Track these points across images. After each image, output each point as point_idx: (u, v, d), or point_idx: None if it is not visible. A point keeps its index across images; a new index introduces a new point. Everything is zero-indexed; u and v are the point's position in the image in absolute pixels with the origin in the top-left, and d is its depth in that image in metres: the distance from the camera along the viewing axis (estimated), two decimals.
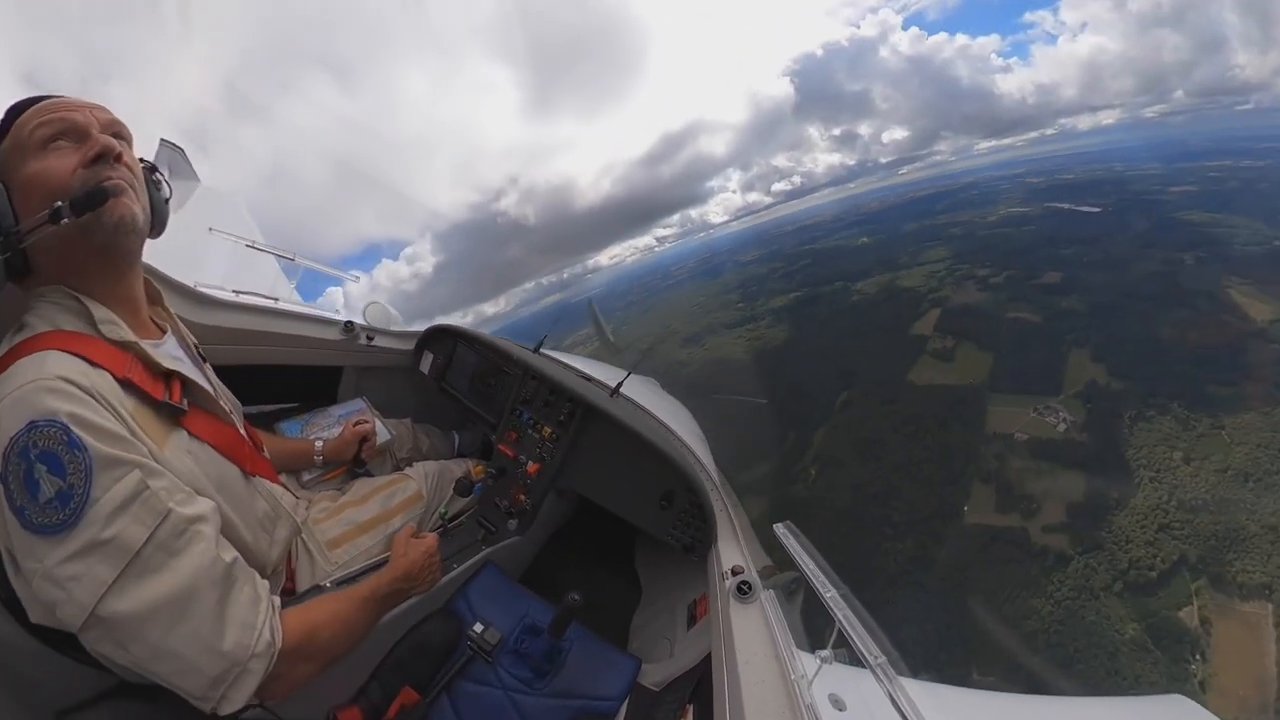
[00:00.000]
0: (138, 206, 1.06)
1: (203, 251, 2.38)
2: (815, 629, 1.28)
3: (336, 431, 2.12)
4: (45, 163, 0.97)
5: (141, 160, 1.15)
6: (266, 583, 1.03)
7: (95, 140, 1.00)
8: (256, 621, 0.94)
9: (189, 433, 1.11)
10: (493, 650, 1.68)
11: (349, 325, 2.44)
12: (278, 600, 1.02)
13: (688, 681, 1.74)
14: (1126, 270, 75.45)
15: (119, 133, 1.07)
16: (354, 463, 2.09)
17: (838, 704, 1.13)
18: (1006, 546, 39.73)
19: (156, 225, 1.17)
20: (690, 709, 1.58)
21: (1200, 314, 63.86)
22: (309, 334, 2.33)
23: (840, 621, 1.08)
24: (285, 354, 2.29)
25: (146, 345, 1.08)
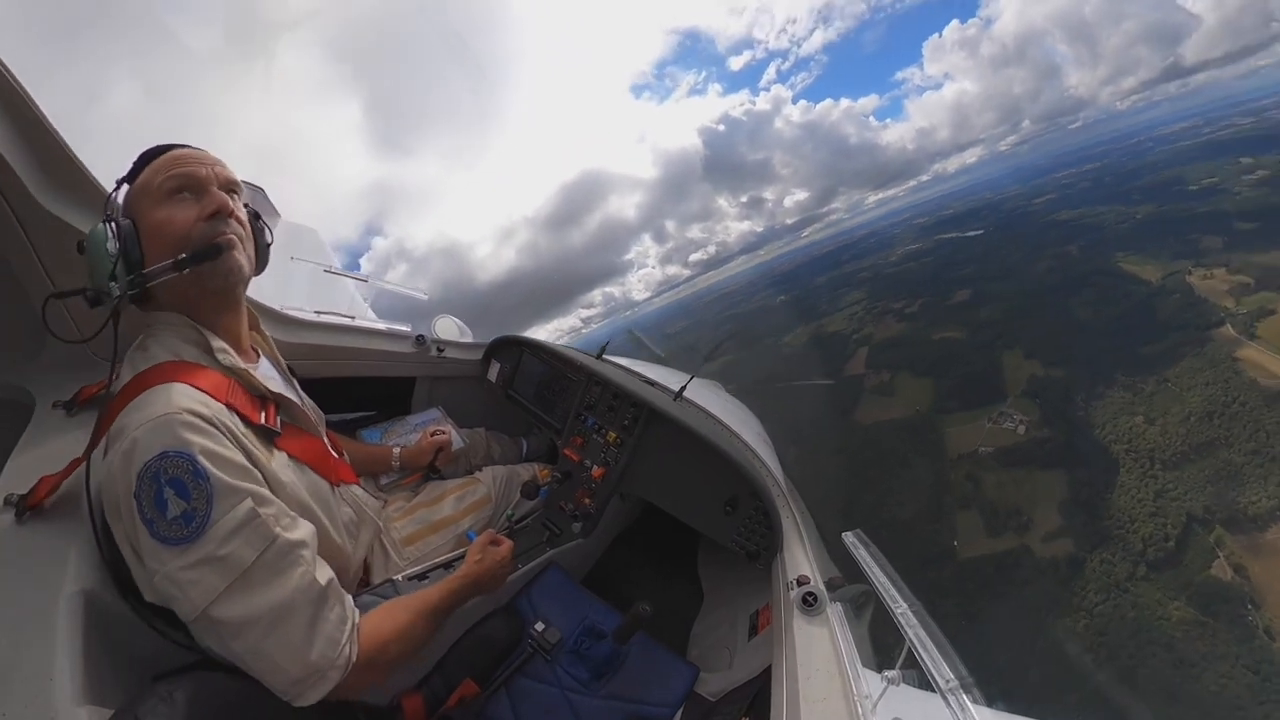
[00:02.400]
0: (244, 258, 1.26)
1: (287, 278, 2.58)
2: (884, 647, 1.26)
3: (414, 439, 2.30)
4: (170, 212, 1.15)
5: (246, 206, 1.32)
6: (352, 602, 1.16)
7: (213, 197, 1.19)
8: (341, 639, 1.09)
9: (286, 454, 1.28)
10: (552, 649, 1.78)
11: (420, 338, 2.61)
12: (359, 615, 1.16)
13: (745, 694, 1.71)
14: (1025, 273, 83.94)
15: (232, 188, 1.24)
16: (429, 469, 2.24)
17: None
18: (1012, 570, 38.79)
19: (260, 265, 1.38)
20: None
21: (1103, 289, 70.23)
22: (384, 347, 2.49)
23: (911, 640, 1.05)
24: (363, 366, 2.44)
25: (249, 369, 1.27)
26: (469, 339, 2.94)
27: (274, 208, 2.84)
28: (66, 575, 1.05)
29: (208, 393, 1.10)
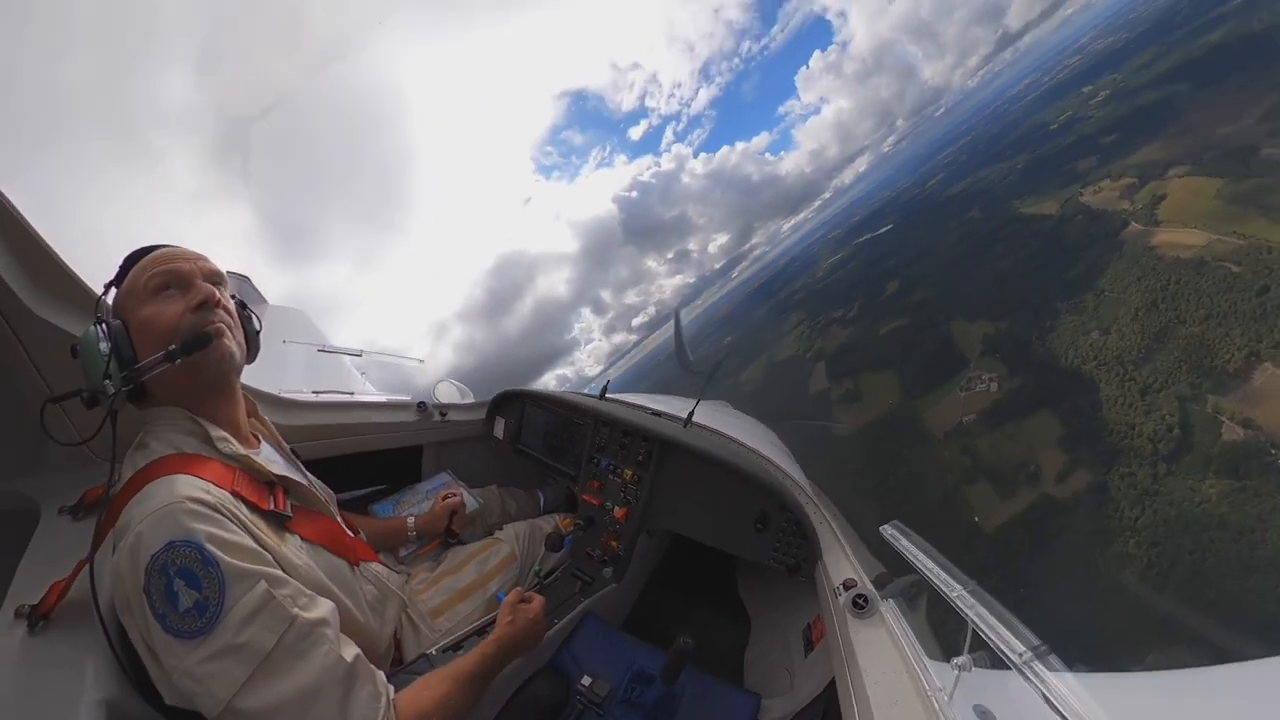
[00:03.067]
0: (235, 344, 1.25)
1: (281, 362, 2.57)
2: (946, 635, 1.18)
3: (426, 506, 2.26)
4: (157, 308, 1.15)
5: (233, 296, 1.33)
6: (384, 678, 1.12)
7: (199, 289, 1.19)
8: (376, 717, 1.05)
9: (299, 537, 1.25)
10: (603, 702, 1.68)
11: (422, 405, 2.58)
12: (393, 691, 1.13)
13: (813, 713, 1.66)
14: (941, 248, 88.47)
15: (217, 280, 1.26)
16: (446, 534, 2.19)
17: (985, 716, 1.04)
18: (1041, 523, 37.47)
19: (251, 353, 1.36)
20: None
21: (1014, 237, 73.95)
22: (386, 419, 2.45)
23: (973, 621, 0.98)
24: (368, 441, 2.39)
25: (251, 455, 1.25)
26: (470, 400, 2.94)
27: (260, 294, 2.86)
28: (85, 684, 1.02)
29: (211, 481, 1.09)
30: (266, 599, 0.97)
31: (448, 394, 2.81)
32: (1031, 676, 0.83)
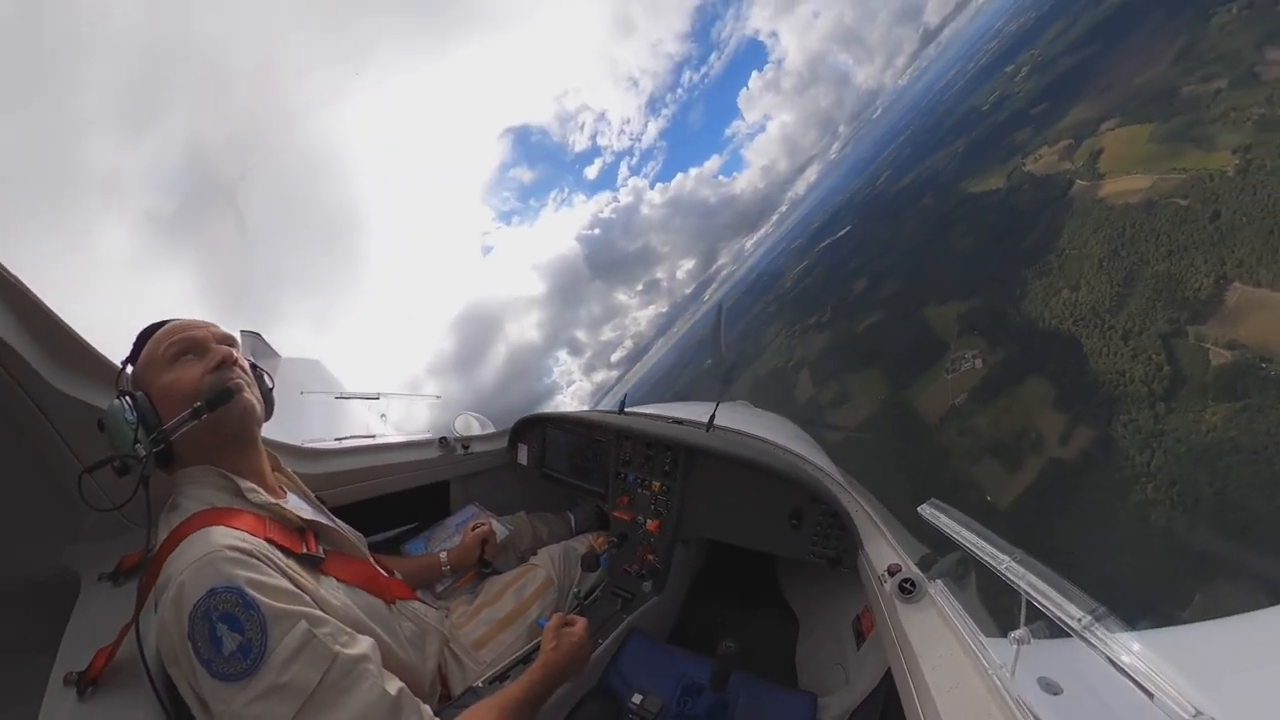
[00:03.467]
0: (254, 398, 1.32)
1: (301, 413, 2.52)
2: (1001, 609, 1.16)
3: (457, 540, 2.24)
4: (178, 373, 1.21)
5: (247, 359, 1.41)
6: (430, 711, 1.13)
7: (215, 351, 1.26)
8: None
9: (334, 578, 1.29)
10: (656, 718, 1.67)
11: (444, 441, 2.58)
12: None
13: (873, 707, 1.64)
14: (900, 239, 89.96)
15: (229, 342, 1.33)
16: (480, 565, 2.16)
17: (1051, 688, 1.01)
18: (1056, 489, 36.45)
19: (268, 409, 1.42)
20: None
21: (969, 215, 75.14)
22: (410, 458, 2.45)
23: (1025, 591, 0.96)
24: (394, 481, 2.39)
25: (280, 504, 1.30)
26: (491, 430, 2.94)
27: (272, 349, 2.76)
28: None
29: (246, 530, 1.12)
30: (308, 638, 1.00)
31: (468, 427, 2.84)
32: (1094, 641, 0.81)
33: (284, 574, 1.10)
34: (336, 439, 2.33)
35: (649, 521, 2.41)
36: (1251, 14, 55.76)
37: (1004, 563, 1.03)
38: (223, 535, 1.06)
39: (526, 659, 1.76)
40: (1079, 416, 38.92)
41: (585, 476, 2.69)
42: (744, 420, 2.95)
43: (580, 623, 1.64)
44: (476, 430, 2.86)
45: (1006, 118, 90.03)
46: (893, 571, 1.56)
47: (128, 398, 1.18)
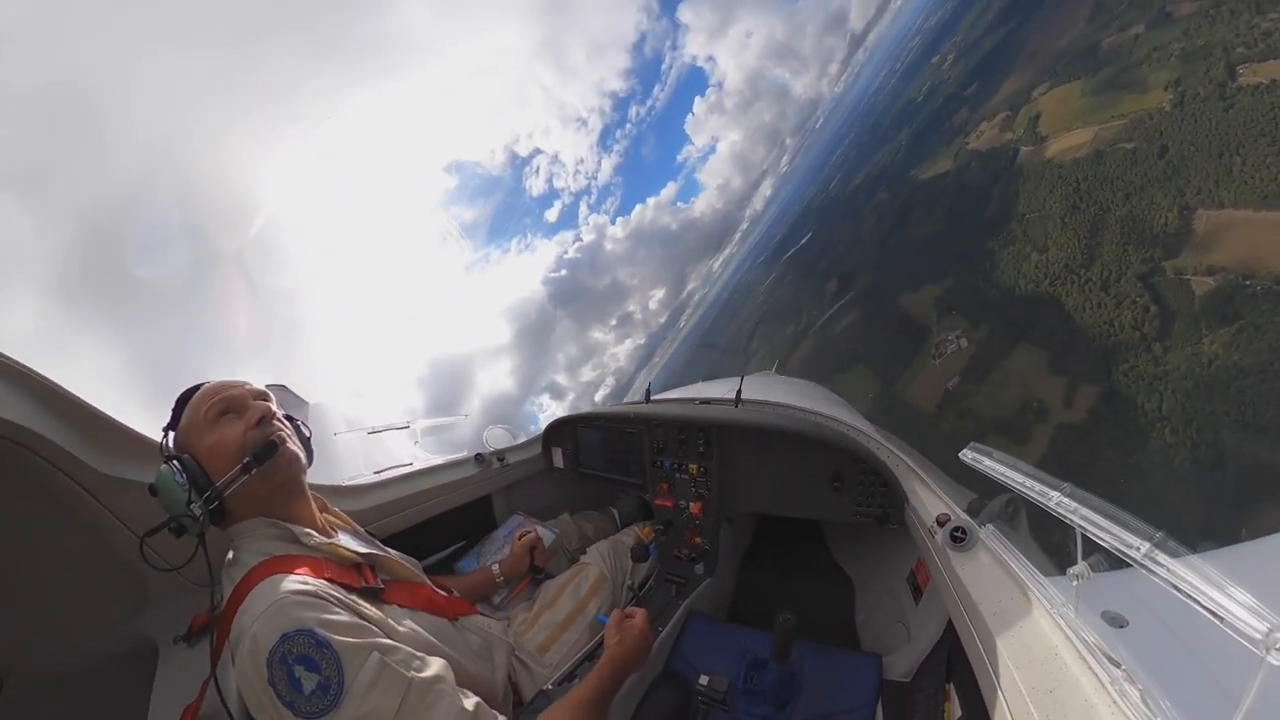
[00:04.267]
0: (297, 447, 1.39)
1: (337, 455, 2.56)
2: (1056, 546, 1.17)
3: (507, 551, 2.30)
4: (220, 433, 1.27)
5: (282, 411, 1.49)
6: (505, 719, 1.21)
7: (254, 408, 1.33)
8: None
9: (396, 605, 1.36)
10: (725, 697, 1.74)
11: (479, 457, 2.68)
12: None
13: (938, 660, 1.65)
14: (862, 235, 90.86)
15: (264, 398, 1.39)
16: (533, 571, 2.23)
17: (1116, 621, 1.05)
18: (1071, 455, 34.97)
19: (308, 456, 1.48)
20: (951, 689, 1.47)
21: (925, 201, 75.92)
22: (449, 479, 2.53)
23: (1079, 525, 0.94)
24: (438, 504, 2.46)
25: (334, 543, 1.37)
26: (523, 438, 3.00)
27: (300, 397, 2.53)
28: None
29: (307, 573, 1.17)
30: (382, 667, 1.04)
31: (499, 439, 2.89)
32: (1156, 569, 0.79)
33: (350, 609, 1.14)
34: (375, 472, 2.39)
35: (691, 505, 2.46)
36: None
37: (1054, 498, 1.01)
38: (286, 582, 1.10)
39: (591, 656, 1.83)
40: (1078, 376, 37.92)
41: (622, 469, 2.73)
42: (771, 390, 3.08)
43: (639, 613, 1.69)
44: (509, 441, 2.92)
45: (942, 104, 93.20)
46: (942, 521, 1.57)
47: (175, 461, 1.22)
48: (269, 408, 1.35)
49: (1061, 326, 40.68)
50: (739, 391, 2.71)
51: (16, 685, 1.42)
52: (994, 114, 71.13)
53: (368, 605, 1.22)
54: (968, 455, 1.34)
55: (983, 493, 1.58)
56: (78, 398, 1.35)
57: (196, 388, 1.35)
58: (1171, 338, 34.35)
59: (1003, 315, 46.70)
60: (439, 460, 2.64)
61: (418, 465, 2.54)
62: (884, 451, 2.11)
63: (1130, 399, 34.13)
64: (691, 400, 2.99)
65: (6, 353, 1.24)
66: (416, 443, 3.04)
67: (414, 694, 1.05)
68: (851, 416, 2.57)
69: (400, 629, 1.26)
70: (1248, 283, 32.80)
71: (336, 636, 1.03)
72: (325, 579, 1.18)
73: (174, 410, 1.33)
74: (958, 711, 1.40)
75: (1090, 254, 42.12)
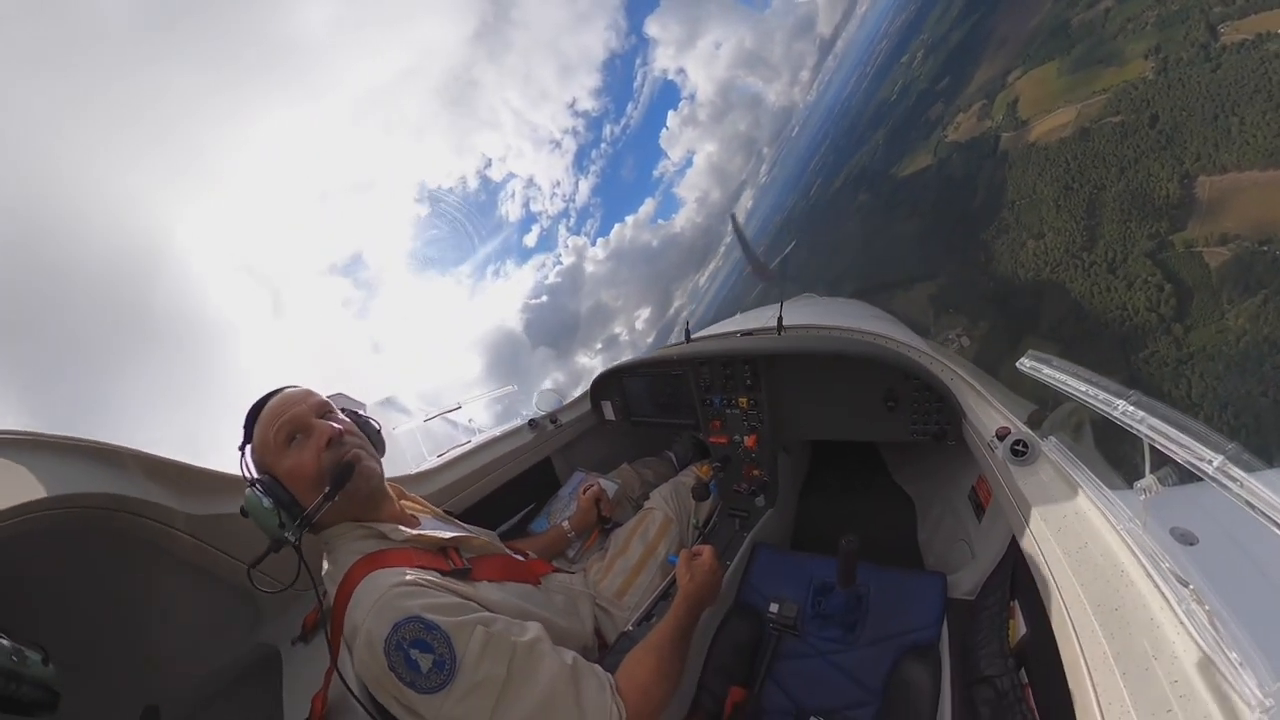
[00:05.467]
0: (372, 460, 1.48)
1: (401, 446, 2.69)
2: (1122, 458, 1.15)
3: (574, 507, 2.43)
4: (294, 459, 1.35)
5: (344, 411, 1.56)
6: (602, 669, 1.33)
7: (321, 430, 1.39)
8: (607, 701, 1.25)
9: (486, 580, 1.49)
10: (795, 622, 1.80)
11: (533, 423, 2.84)
12: (612, 677, 1.34)
13: (1002, 577, 1.67)
14: (848, 239, 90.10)
15: (327, 411, 1.47)
16: (600, 523, 2.37)
17: (1186, 538, 1.05)
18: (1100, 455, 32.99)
19: (380, 450, 1.58)
20: (1015, 606, 1.50)
21: (909, 198, 75.18)
22: (508, 448, 2.67)
23: (1147, 436, 0.91)
24: (503, 474, 2.62)
25: (419, 533, 1.50)
26: (573, 397, 3.14)
27: (357, 400, 2.46)
28: None
29: (402, 565, 1.28)
30: (487, 638, 1.16)
31: (549, 402, 2.99)
32: (1229, 484, 0.76)
33: (448, 590, 1.26)
34: (438, 456, 2.51)
35: (746, 439, 2.53)
36: None
37: (1119, 407, 0.99)
38: (387, 576, 1.22)
39: (665, 595, 1.95)
40: (1094, 367, 35.12)
41: (673, 413, 2.81)
42: (813, 313, 3.41)
43: (707, 550, 1.74)
44: (558, 403, 3.02)
45: (916, 100, 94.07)
46: (1002, 435, 1.56)
47: (259, 485, 1.32)
48: (335, 428, 1.41)
49: (1070, 315, 39.20)
50: (779, 319, 2.76)
51: (170, 715, 1.56)
52: (969, 104, 71.25)
53: (461, 584, 1.34)
54: (1025, 364, 1.33)
55: (1043, 404, 1.61)
56: (149, 454, 1.51)
57: (264, 401, 1.41)
58: (1192, 316, 32.84)
59: (1004, 308, 45.30)
60: (496, 431, 2.78)
61: (476, 441, 2.66)
62: (937, 366, 2.13)
63: (1155, 386, 32.30)
64: (733, 334, 3.12)
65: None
66: (471, 420, 3.08)
67: (519, 657, 1.17)
68: (900, 332, 2.71)
69: (495, 599, 1.37)
70: (1265, 248, 31.49)
71: (443, 618, 1.14)
72: (419, 566, 1.30)
73: (245, 426, 1.40)
74: (1022, 628, 1.42)
75: (1091, 235, 40.89)
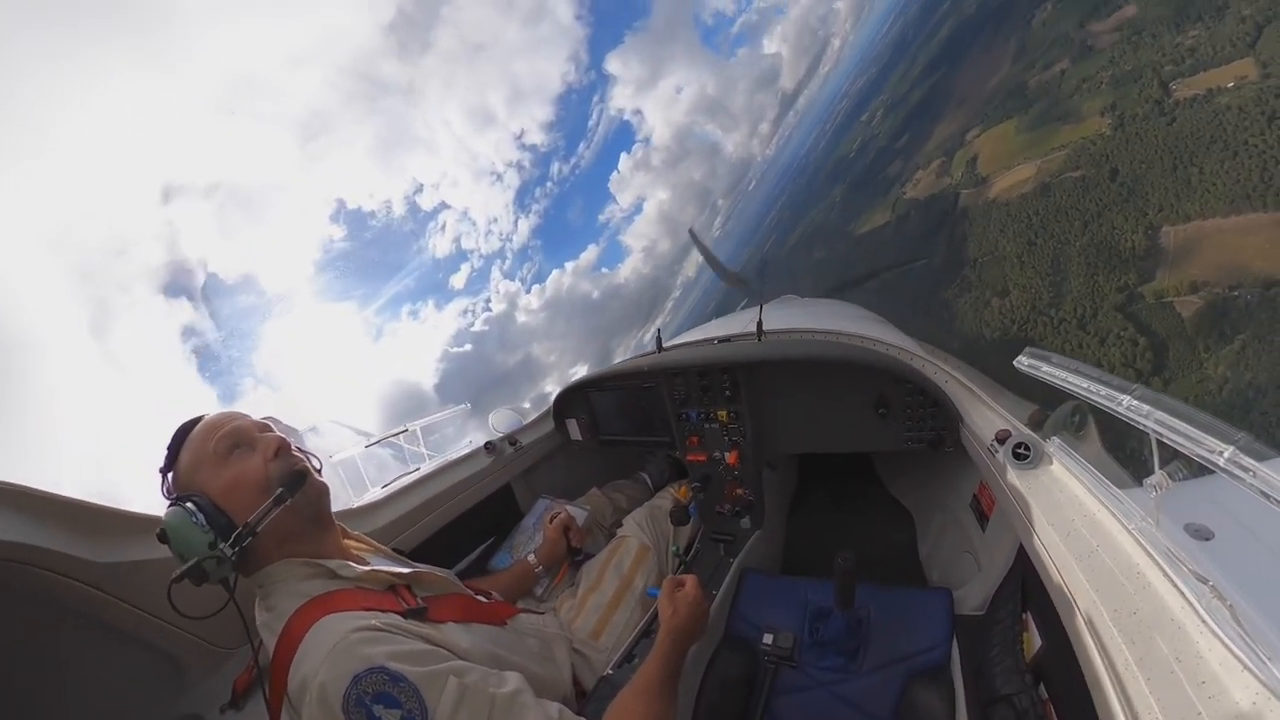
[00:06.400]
0: (320, 478, 1.48)
1: (340, 477, 2.71)
2: (1129, 455, 1.20)
3: (540, 538, 2.41)
4: (238, 468, 1.32)
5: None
6: None
7: (267, 439, 1.39)
8: None
9: (451, 621, 1.45)
10: (791, 652, 1.86)
11: (489, 446, 2.81)
12: None
13: (1012, 588, 1.70)
14: (817, 264, 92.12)
15: (268, 430, 1.45)
16: (570, 554, 2.35)
17: (1201, 534, 1.08)
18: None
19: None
20: (1028, 618, 1.54)
21: (865, 253, 78.12)
22: (462, 475, 2.63)
23: (1154, 430, 0.96)
24: (457, 504, 2.56)
25: (370, 569, 1.44)
26: (533, 416, 3.12)
27: (290, 425, 2.44)
28: None
29: (358, 608, 1.22)
30: (462, 690, 1.11)
31: (507, 422, 2.98)
32: (1241, 474, 0.80)
33: (415, 636, 1.21)
34: (383, 486, 2.46)
35: (726, 455, 2.53)
36: (1065, 3, 65.01)
37: (1124, 402, 1.03)
38: (341, 621, 1.16)
39: (647, 632, 1.95)
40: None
41: (646, 430, 2.82)
42: (796, 316, 3.53)
43: (690, 579, 1.74)
44: (517, 423, 3.02)
45: (874, 157, 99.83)
46: (1002, 438, 1.62)
47: (188, 502, 1.24)
48: (283, 438, 1.39)
49: (1040, 398, 40.17)
50: (759, 323, 2.75)
51: None
52: (929, 161, 75.52)
53: (424, 627, 1.28)
54: (1023, 362, 1.37)
55: (1044, 403, 1.65)
56: (51, 494, 1.40)
57: (192, 424, 1.37)
58: (1170, 368, 33.84)
59: (972, 370, 46.35)
60: (448, 458, 2.71)
61: (426, 468, 2.60)
62: (931, 368, 2.16)
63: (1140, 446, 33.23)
64: (708, 341, 3.12)
65: None
66: (419, 446, 3.05)
67: (498, 712, 1.12)
68: (889, 333, 2.79)
69: (465, 645, 1.32)
70: (1236, 293, 32.90)
71: (410, 667, 1.08)
72: (374, 608, 1.24)
73: (169, 450, 1.35)
74: (1037, 641, 1.44)
75: (1058, 291, 42.37)
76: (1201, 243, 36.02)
